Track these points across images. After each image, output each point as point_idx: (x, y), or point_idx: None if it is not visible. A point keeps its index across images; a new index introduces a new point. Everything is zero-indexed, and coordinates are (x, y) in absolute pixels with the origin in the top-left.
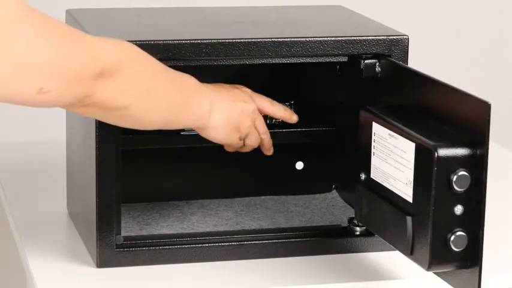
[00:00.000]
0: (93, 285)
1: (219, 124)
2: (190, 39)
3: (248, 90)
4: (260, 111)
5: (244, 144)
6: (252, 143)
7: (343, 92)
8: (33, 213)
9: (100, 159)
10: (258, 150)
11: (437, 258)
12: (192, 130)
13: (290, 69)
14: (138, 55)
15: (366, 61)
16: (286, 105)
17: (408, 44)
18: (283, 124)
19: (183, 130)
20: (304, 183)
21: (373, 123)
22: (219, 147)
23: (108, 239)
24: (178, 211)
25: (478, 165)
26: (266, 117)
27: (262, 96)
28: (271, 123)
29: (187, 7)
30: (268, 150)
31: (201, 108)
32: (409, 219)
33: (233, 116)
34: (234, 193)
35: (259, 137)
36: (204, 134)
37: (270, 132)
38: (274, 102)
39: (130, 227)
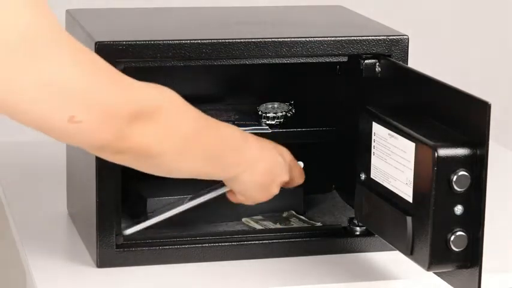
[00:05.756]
0: (93, 285)
1: (252, 179)
2: (190, 39)
3: (288, 158)
4: (289, 182)
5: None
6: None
7: (343, 92)
8: (33, 213)
9: (100, 160)
10: None
11: (437, 258)
12: None
13: (290, 69)
14: (179, 102)
15: (366, 61)
16: (286, 105)
17: (408, 44)
18: (283, 124)
19: None
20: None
21: (373, 123)
22: None
23: (108, 239)
24: None
25: (478, 165)
26: (267, 117)
27: (297, 166)
28: (272, 123)
29: (187, 7)
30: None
31: (246, 157)
32: (409, 219)
33: (267, 177)
34: None
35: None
36: (232, 184)
37: (270, 132)
38: (303, 173)
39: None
